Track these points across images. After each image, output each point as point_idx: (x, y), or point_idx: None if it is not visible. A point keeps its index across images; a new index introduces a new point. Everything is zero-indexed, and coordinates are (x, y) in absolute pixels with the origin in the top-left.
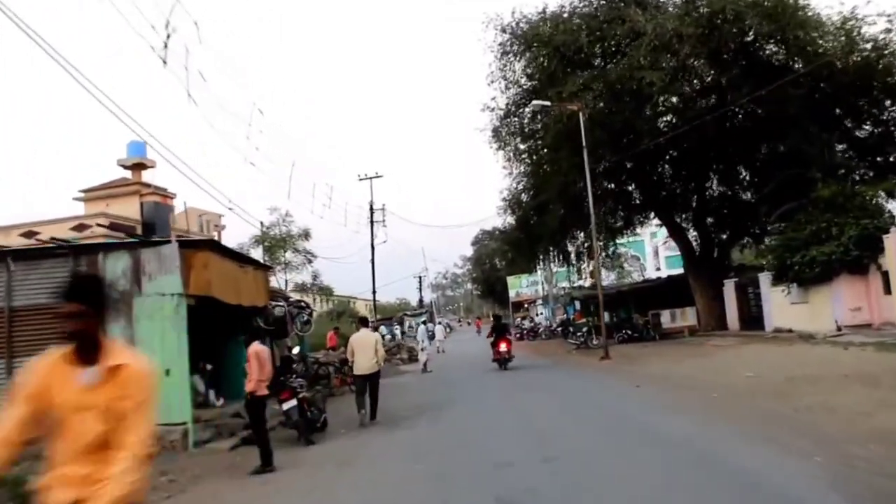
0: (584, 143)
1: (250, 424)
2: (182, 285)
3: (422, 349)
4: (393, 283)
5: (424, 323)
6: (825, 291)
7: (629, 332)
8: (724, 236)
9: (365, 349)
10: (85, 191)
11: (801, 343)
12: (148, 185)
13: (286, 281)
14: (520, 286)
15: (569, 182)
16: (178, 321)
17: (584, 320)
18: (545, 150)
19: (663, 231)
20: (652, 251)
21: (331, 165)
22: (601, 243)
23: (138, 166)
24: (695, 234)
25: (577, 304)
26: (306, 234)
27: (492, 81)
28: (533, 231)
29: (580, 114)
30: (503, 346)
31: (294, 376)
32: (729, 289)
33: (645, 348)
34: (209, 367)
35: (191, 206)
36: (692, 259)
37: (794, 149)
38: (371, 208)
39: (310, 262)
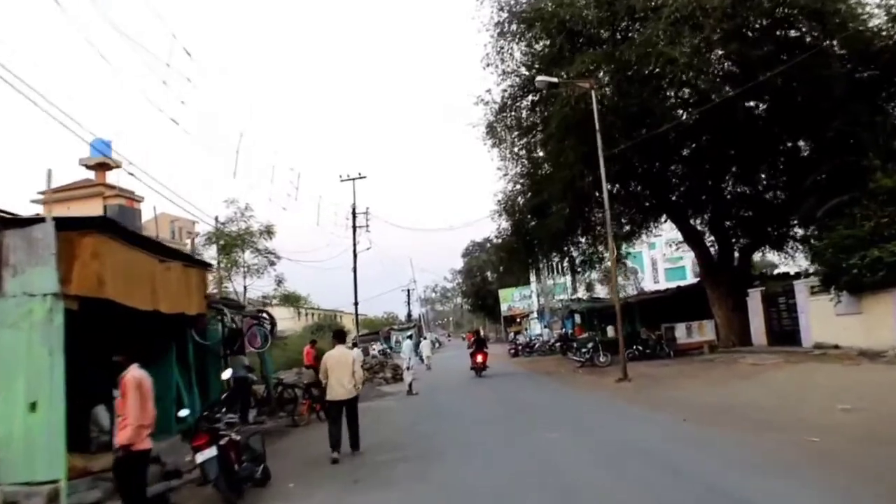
0: (597, 126)
1: (121, 496)
2: (58, 282)
3: (407, 368)
4: (380, 295)
5: (410, 338)
6: (886, 300)
7: (640, 348)
8: (745, 241)
9: (341, 370)
10: (43, 193)
11: (869, 362)
12: (112, 187)
13: (245, 287)
14: (512, 300)
15: (576, 176)
16: (50, 333)
17: (585, 335)
18: (549, 142)
19: (661, 242)
20: (650, 263)
21: (311, 168)
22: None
23: (102, 166)
24: (711, 238)
25: (578, 318)
26: (269, 231)
27: (487, 65)
28: (531, 235)
29: (592, 93)
30: (479, 358)
31: (253, 403)
32: (754, 299)
33: (665, 367)
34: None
35: (163, 211)
36: (709, 267)
37: (843, 134)
38: (353, 212)
39: (272, 264)
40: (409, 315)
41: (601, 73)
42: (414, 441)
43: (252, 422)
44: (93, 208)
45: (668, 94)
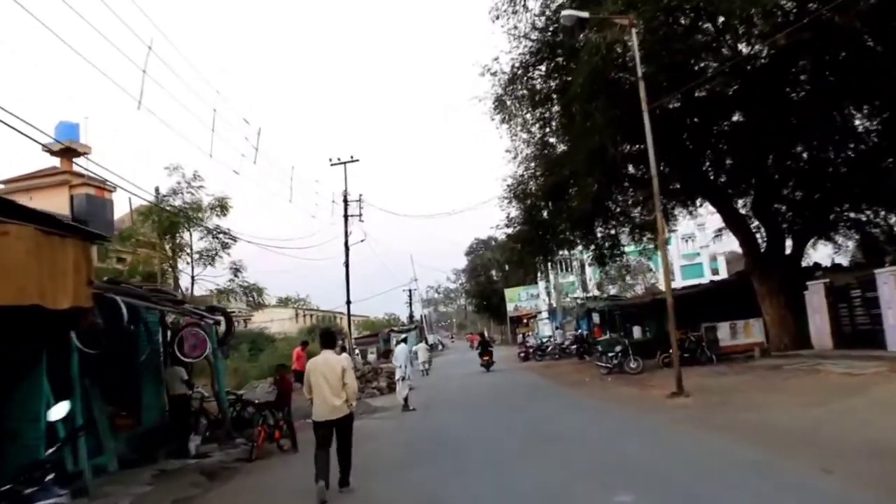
0: (639, 71)
1: None
2: None
3: (401, 378)
4: (379, 295)
5: (405, 341)
6: None
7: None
8: (797, 227)
9: (328, 381)
10: (3, 182)
11: None
12: (80, 175)
13: (192, 277)
14: (518, 299)
15: (606, 143)
16: None
17: (607, 336)
18: (572, 104)
19: (675, 237)
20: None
21: (306, 157)
22: (627, 245)
23: (68, 152)
24: (755, 224)
25: (596, 318)
26: (222, 206)
27: (497, 17)
28: (546, 223)
29: (633, 32)
30: (486, 358)
31: (205, 426)
32: (816, 294)
33: (722, 377)
34: None
35: (143, 202)
36: (757, 257)
37: None
38: (345, 199)
39: (225, 246)
40: (411, 316)
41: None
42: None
43: (194, 454)
44: (57, 199)
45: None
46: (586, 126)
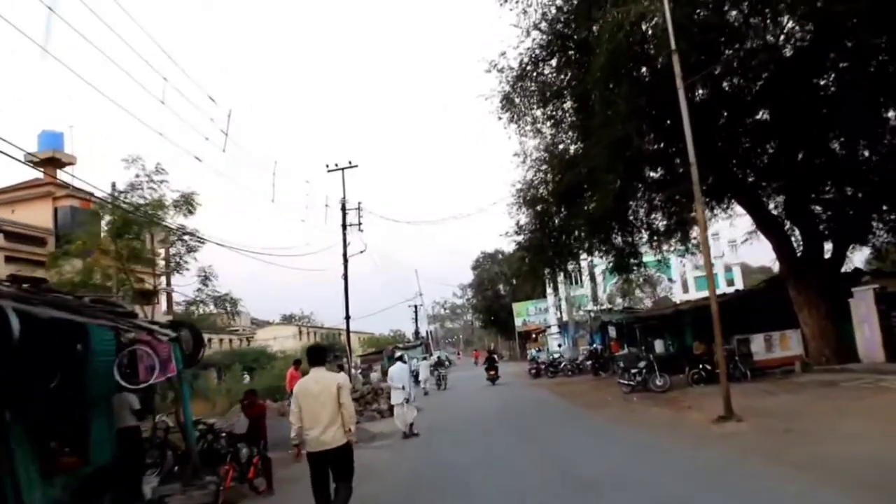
0: (672, 42)
1: None
2: None
3: (402, 402)
4: (384, 310)
5: (401, 359)
6: None
7: (707, 367)
8: (835, 230)
9: (320, 404)
10: None
11: None
12: (64, 186)
13: (155, 286)
14: (527, 314)
15: (631, 134)
16: None
17: (624, 351)
18: (593, 91)
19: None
20: (678, 273)
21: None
22: (645, 253)
23: (51, 162)
24: (789, 227)
25: (613, 331)
26: (188, 203)
27: (504, 1)
28: (559, 229)
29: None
30: (492, 373)
31: (172, 461)
32: (863, 301)
33: (771, 397)
34: None
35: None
36: (792, 263)
37: None
38: (343, 207)
39: (191, 250)
40: (417, 332)
41: None
42: None
43: (150, 497)
44: (41, 211)
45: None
46: (607, 115)
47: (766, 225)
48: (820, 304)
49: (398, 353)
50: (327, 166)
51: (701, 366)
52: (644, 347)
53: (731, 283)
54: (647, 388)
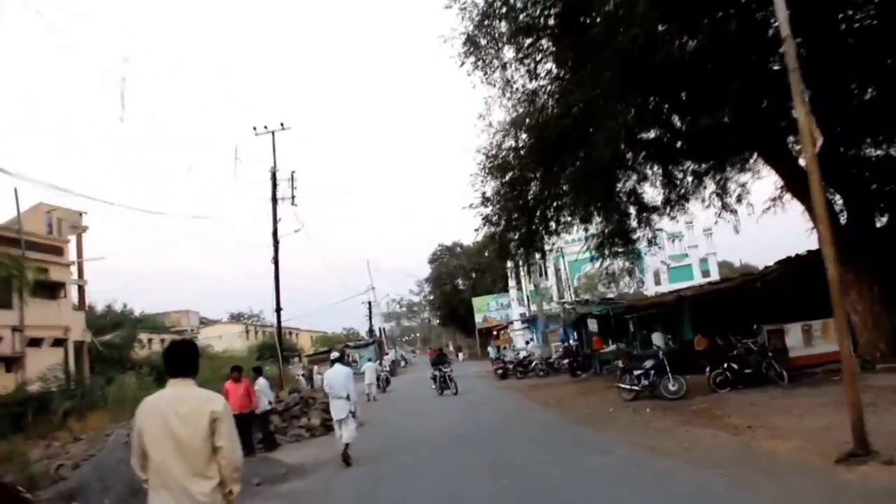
0: None
1: None
2: None
3: (346, 417)
4: (331, 305)
5: (341, 360)
6: None
7: (733, 366)
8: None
9: (178, 446)
10: None
11: None
12: None
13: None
14: (487, 309)
15: (653, 36)
16: None
17: (611, 347)
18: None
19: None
20: (650, 265)
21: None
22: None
23: None
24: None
25: (593, 324)
26: None
27: None
28: (535, 199)
29: None
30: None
31: None
32: None
33: (882, 412)
34: None
35: (40, 201)
36: (836, 235)
37: None
38: (273, 177)
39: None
40: (371, 330)
41: None
42: None
43: None
44: None
45: None
46: (615, 17)
47: (799, 186)
48: (872, 285)
49: (335, 354)
50: (254, 129)
51: (727, 365)
52: (638, 343)
53: (706, 273)
54: (656, 395)
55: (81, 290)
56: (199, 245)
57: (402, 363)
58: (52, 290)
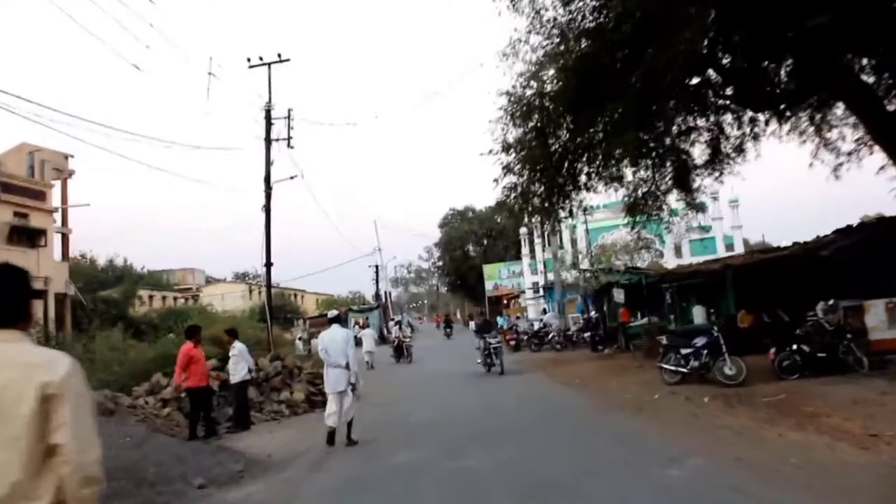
0: None
1: None
2: None
3: (341, 392)
4: (336, 266)
5: (337, 320)
6: None
7: (804, 348)
8: None
9: None
10: None
11: None
12: None
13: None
14: (499, 277)
15: None
16: None
17: (643, 321)
18: None
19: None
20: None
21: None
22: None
23: None
24: None
25: (619, 295)
26: None
27: None
28: (564, 149)
29: None
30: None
31: None
32: None
33: None
34: None
35: (23, 141)
36: None
37: None
38: (268, 115)
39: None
40: (378, 294)
41: None
42: None
43: None
44: None
45: None
46: None
47: (888, 133)
48: None
49: (332, 313)
50: (248, 60)
51: (795, 346)
52: (675, 317)
53: (730, 248)
54: (707, 378)
55: (65, 238)
56: (206, 201)
57: (411, 329)
58: (31, 237)
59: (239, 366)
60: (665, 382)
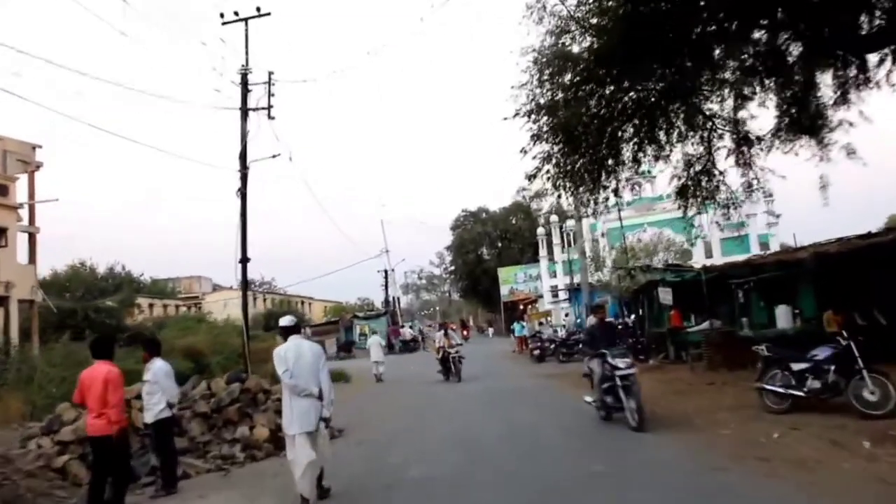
0: None
1: None
2: None
3: (307, 435)
4: (340, 270)
5: (295, 328)
6: None
7: None
8: None
9: None
10: None
11: None
12: None
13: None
14: (514, 281)
15: None
16: None
17: (703, 325)
18: None
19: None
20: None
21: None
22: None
23: None
24: None
25: (668, 295)
26: None
27: None
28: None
29: None
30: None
31: None
32: None
33: None
34: None
35: None
36: None
37: None
38: (244, 80)
39: None
40: (387, 300)
41: None
42: None
43: None
44: None
45: None
46: None
47: None
48: None
49: (286, 322)
50: (222, 15)
51: None
52: (748, 320)
53: (764, 246)
54: (829, 404)
55: (32, 238)
56: (212, 214)
57: (421, 338)
58: None
59: (154, 398)
60: (766, 409)
